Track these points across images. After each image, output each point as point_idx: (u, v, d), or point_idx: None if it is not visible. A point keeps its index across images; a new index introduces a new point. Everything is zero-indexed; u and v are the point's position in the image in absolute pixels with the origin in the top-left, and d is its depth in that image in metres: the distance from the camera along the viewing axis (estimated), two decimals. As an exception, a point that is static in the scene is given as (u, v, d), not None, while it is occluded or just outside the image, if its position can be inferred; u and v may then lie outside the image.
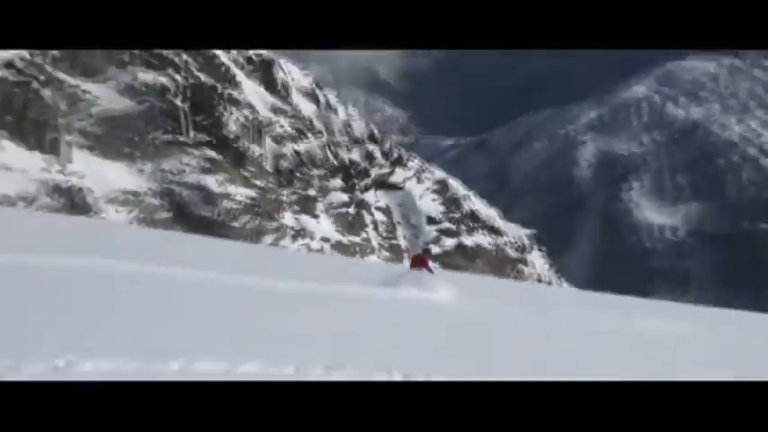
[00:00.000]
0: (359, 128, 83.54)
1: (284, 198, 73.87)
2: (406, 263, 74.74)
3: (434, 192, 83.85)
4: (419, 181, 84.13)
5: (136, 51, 68.88)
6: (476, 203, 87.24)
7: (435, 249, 78.28)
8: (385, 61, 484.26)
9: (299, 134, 77.18)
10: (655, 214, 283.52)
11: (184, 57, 70.67)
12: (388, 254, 75.51)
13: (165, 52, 69.83)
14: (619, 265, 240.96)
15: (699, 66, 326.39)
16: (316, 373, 13.53)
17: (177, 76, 69.62)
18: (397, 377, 14.31)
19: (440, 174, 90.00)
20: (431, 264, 31.37)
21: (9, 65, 61.89)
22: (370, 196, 79.51)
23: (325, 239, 72.85)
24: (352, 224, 76.25)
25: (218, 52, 74.63)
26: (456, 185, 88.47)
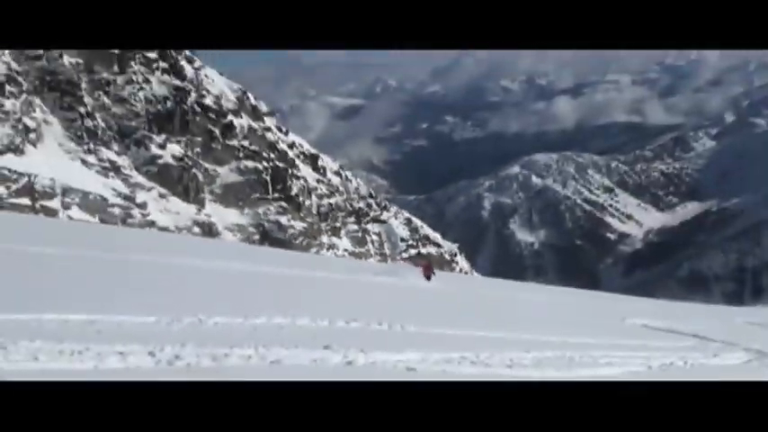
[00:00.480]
0: (363, 190, 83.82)
1: (323, 228, 74.10)
2: (391, 263, 76.31)
3: (404, 224, 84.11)
4: (396, 218, 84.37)
5: (240, 149, 69.19)
6: (427, 230, 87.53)
7: (404, 255, 78.66)
8: (378, 151, 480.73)
9: (331, 193, 77.42)
10: (525, 236, 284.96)
11: (270, 154, 71.28)
12: (379, 257, 75.92)
13: (258, 149, 70.34)
14: (507, 264, 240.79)
15: (545, 157, 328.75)
16: (339, 324, 13.23)
17: (264, 163, 70.18)
18: (385, 327, 13.87)
19: (407, 214, 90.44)
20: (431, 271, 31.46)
21: (174, 156, 62.71)
22: (370, 227, 79.74)
23: (346, 250, 73.26)
24: (360, 241, 76.48)
25: (287, 150, 74.85)
26: (416, 221, 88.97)
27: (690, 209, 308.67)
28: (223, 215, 65.97)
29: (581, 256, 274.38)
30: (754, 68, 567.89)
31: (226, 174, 68.32)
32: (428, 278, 29.98)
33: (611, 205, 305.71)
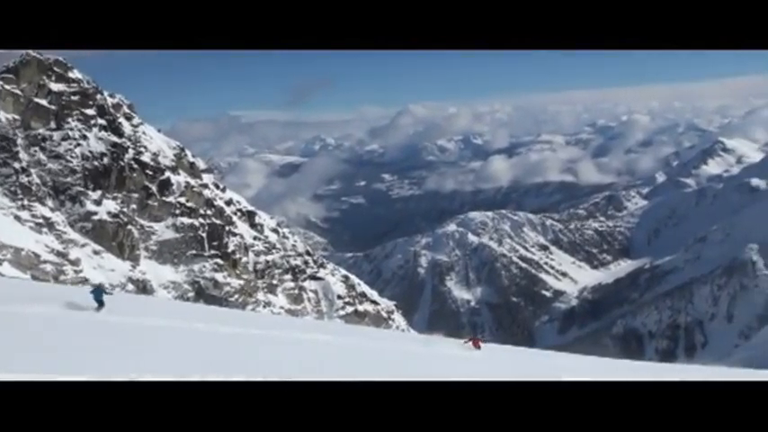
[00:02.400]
0: (300, 247, 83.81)
1: (259, 285, 73.89)
2: (315, 319, 76.67)
3: (341, 281, 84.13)
4: (333, 275, 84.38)
5: (177, 205, 69.01)
6: (364, 288, 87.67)
7: (341, 313, 78.62)
8: (316, 208, 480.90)
9: (268, 250, 77.31)
10: (462, 293, 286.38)
11: (207, 211, 71.19)
12: (316, 315, 75.78)
13: (195, 206, 70.24)
14: (443, 321, 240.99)
15: (481, 215, 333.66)
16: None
17: (201, 220, 70.07)
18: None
19: (344, 272, 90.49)
20: (480, 342, 31.12)
21: (109, 213, 62.36)
22: (307, 284, 79.66)
23: (282, 307, 73.07)
24: (296, 299, 76.28)
25: (224, 207, 74.81)
26: (353, 278, 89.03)
27: (623, 266, 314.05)
28: (158, 272, 65.52)
29: (517, 314, 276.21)
30: (683, 130, 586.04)
31: (162, 230, 68.01)
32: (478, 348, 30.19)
33: (546, 263, 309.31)
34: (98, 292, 21.51)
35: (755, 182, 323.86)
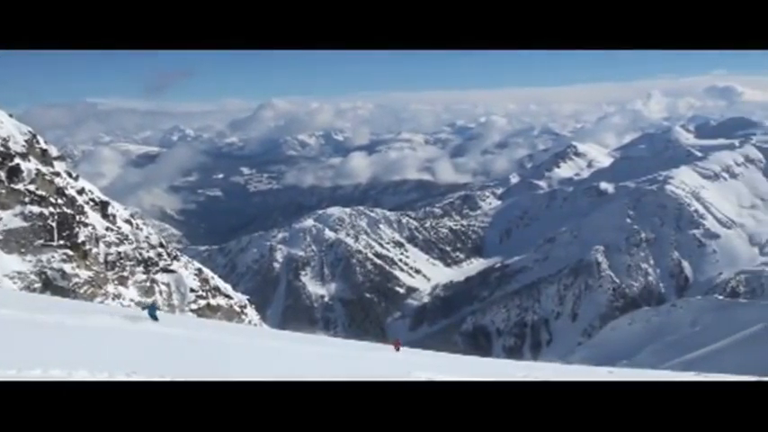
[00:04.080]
0: (154, 239, 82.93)
1: (110, 277, 72.83)
2: (167, 312, 76.06)
3: (195, 275, 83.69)
4: (186, 268, 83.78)
5: (26, 193, 67.34)
6: (218, 281, 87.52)
7: (193, 306, 78.37)
8: (172, 200, 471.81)
9: (120, 241, 76.14)
10: (317, 288, 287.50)
11: (58, 200, 69.63)
12: (167, 308, 75.32)
13: (45, 195, 68.76)
14: (298, 316, 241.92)
15: (339, 211, 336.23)
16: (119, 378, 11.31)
17: (51, 209, 68.56)
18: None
19: (198, 265, 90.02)
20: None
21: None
22: (159, 277, 78.91)
23: (132, 300, 72.27)
24: (147, 291, 75.48)
25: (76, 196, 73.43)
26: (207, 271, 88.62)
27: (475, 265, 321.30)
28: (3, 262, 63.70)
29: (370, 310, 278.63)
30: (538, 133, 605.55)
31: (9, 219, 66.07)
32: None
33: (401, 260, 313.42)
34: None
35: (604, 186, 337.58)
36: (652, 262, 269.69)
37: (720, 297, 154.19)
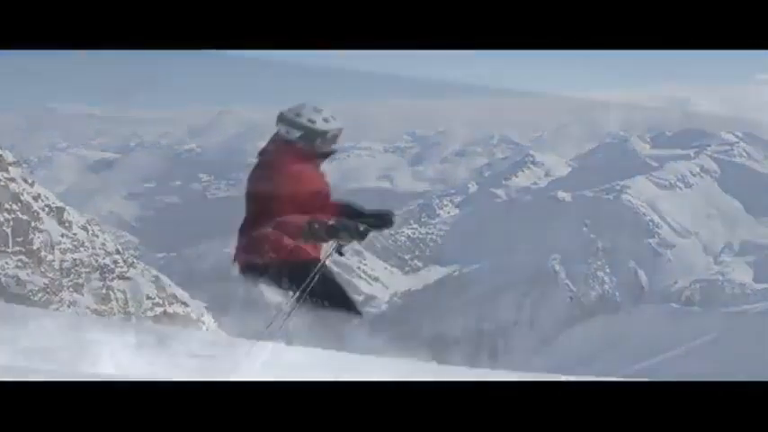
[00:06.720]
0: (110, 246, 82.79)
1: (65, 284, 72.64)
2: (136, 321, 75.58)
3: (151, 281, 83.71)
4: (143, 276, 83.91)
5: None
6: (175, 289, 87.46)
7: (149, 314, 78.49)
8: (129, 207, 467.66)
9: (76, 248, 76.06)
10: (277, 297, 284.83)
11: (13, 205, 69.40)
12: (123, 315, 75.24)
13: (0, 200, 68.51)
14: (255, 323, 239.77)
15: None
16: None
17: (6, 215, 68.30)
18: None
19: (155, 272, 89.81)
20: None
21: None
22: (115, 284, 78.87)
23: (88, 307, 72.12)
24: (104, 299, 75.44)
25: (32, 202, 73.05)
26: (164, 278, 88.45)
27: (433, 273, 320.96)
28: (-43, 268, 63.38)
29: (328, 317, 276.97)
30: (497, 142, 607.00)
31: (-39, 224, 65.80)
32: None
33: (359, 267, 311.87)
34: None
35: (561, 195, 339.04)
36: (608, 270, 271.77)
37: (676, 305, 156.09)
